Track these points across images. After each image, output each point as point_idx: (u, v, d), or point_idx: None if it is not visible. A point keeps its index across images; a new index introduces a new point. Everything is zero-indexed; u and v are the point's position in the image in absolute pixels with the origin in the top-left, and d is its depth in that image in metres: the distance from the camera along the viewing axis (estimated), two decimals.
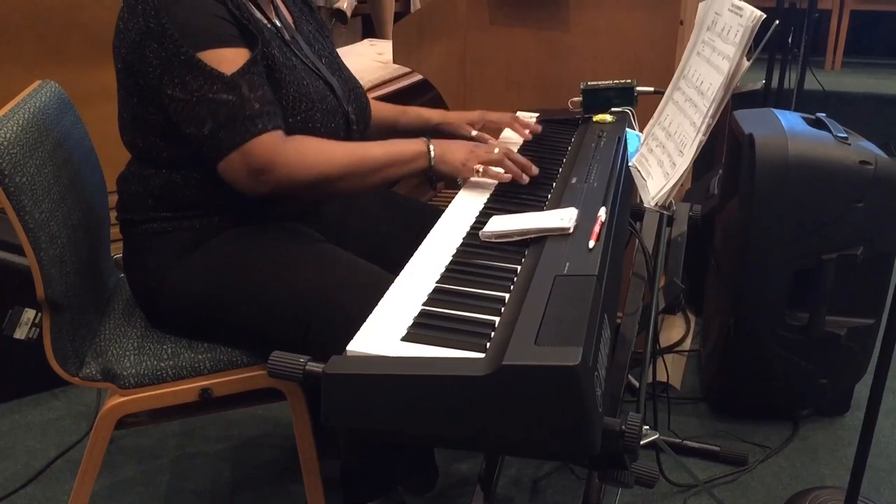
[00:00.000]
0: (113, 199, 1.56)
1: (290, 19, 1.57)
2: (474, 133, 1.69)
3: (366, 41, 3.49)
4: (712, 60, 1.23)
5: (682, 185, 1.63)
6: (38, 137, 1.39)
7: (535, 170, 1.40)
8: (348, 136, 1.52)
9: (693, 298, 2.58)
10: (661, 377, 2.15)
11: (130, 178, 1.47)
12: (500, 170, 1.40)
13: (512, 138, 1.71)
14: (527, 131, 1.69)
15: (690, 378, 2.32)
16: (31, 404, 2.19)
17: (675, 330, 2.52)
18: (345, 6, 4.08)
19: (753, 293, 1.97)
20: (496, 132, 1.75)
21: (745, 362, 2.05)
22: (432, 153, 1.40)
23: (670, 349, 2.41)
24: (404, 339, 0.97)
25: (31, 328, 2.09)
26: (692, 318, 2.57)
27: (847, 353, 2.00)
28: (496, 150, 1.42)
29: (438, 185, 2.54)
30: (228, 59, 1.30)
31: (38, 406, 2.18)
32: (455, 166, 1.41)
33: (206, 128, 1.30)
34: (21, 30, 2.46)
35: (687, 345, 2.46)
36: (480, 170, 1.40)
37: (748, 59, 1.12)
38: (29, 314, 2.08)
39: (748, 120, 2.03)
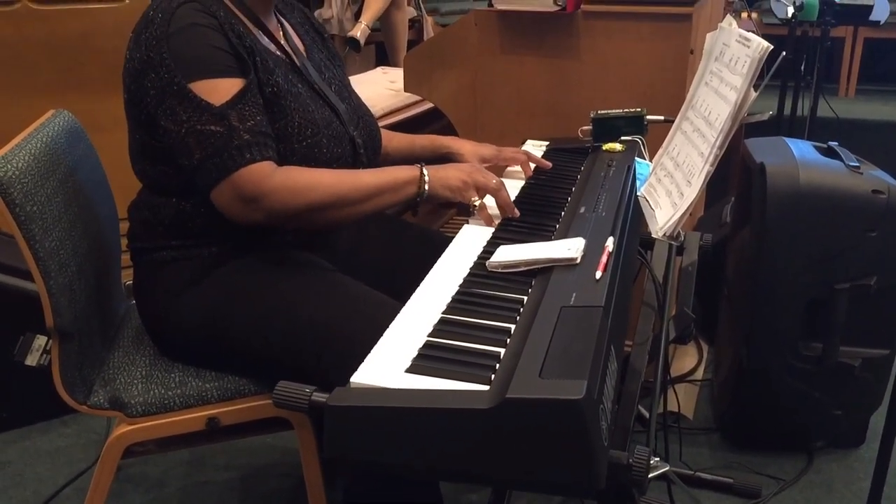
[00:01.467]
0: (124, 227, 1.57)
1: (301, 47, 1.58)
2: None
3: (378, 69, 3.51)
4: (720, 91, 1.23)
5: (693, 212, 1.61)
6: (50, 166, 1.41)
7: (516, 212, 1.42)
8: (355, 160, 1.53)
9: (706, 327, 2.56)
10: (673, 407, 2.12)
11: (141, 206, 1.48)
12: (494, 208, 1.42)
13: (518, 170, 1.71)
14: (532, 166, 1.68)
15: (703, 408, 2.29)
16: (41, 431, 2.19)
17: (687, 359, 2.49)
18: (358, 34, 4.11)
19: (765, 323, 1.95)
20: (504, 168, 1.74)
21: (758, 393, 2.03)
22: (426, 178, 1.40)
23: (682, 378, 2.39)
24: (408, 370, 0.96)
25: (42, 355, 2.09)
26: (705, 346, 2.55)
27: (862, 384, 1.98)
28: (494, 180, 1.42)
29: (447, 211, 2.51)
30: (220, 90, 1.31)
31: (48, 433, 2.18)
32: (454, 189, 1.41)
33: (196, 158, 1.31)
34: (39, 59, 2.50)
35: (699, 374, 2.44)
36: (477, 202, 1.40)
37: (756, 90, 1.12)
38: (40, 340, 2.09)
39: (759, 148, 2.02)
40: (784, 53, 1.16)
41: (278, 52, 1.48)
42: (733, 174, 2.91)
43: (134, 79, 1.37)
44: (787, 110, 3.33)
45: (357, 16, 4.22)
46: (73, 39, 2.52)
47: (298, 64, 1.50)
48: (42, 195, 1.34)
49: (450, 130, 2.34)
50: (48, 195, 1.36)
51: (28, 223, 1.30)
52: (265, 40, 1.47)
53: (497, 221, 1.40)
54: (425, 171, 1.40)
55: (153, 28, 1.33)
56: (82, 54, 2.52)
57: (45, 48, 2.50)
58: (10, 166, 1.29)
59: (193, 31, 1.32)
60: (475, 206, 1.40)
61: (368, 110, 1.65)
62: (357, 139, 1.53)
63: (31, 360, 2.10)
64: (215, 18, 1.35)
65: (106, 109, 2.30)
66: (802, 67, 3.25)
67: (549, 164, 1.68)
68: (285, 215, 1.34)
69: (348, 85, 1.65)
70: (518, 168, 1.69)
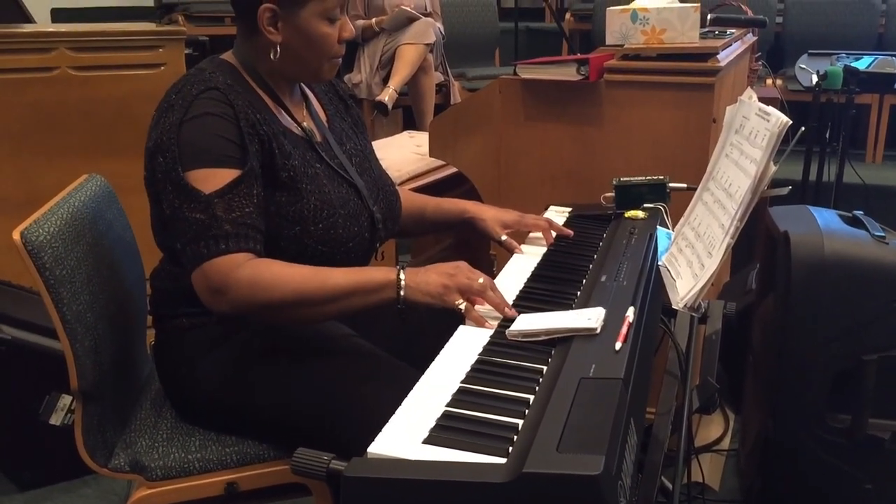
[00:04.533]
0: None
1: (324, 117, 1.61)
2: (503, 238, 1.67)
3: (405, 133, 3.57)
4: (740, 163, 1.24)
5: (718, 277, 1.60)
6: (81, 231, 1.44)
7: (511, 311, 1.28)
8: (373, 236, 1.54)
9: (732, 395, 2.52)
10: (698, 477, 2.08)
11: (162, 274, 1.51)
12: (484, 308, 1.30)
13: (540, 237, 1.71)
14: (553, 234, 1.68)
15: (730, 479, 2.25)
16: (62, 491, 2.19)
17: (713, 427, 2.45)
18: (386, 99, 4.19)
19: (792, 393, 1.92)
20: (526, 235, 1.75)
21: (785, 465, 1.98)
22: (402, 283, 1.31)
23: (708, 448, 2.34)
24: (426, 441, 0.96)
25: (66, 414, 2.11)
26: (731, 415, 2.51)
27: (892, 458, 1.93)
28: (480, 280, 1.31)
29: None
30: (214, 179, 1.33)
31: (69, 493, 2.18)
32: (432, 296, 1.30)
33: (179, 243, 1.34)
34: (75, 123, 2.59)
35: (726, 443, 2.39)
36: (462, 305, 1.29)
37: (775, 164, 1.13)
38: (65, 400, 2.12)
39: (783, 217, 2.01)
40: (803, 129, 1.17)
41: (297, 131, 1.50)
42: (758, 240, 2.90)
43: (149, 158, 1.41)
44: (813, 176, 3.32)
45: (385, 80, 4.31)
46: (108, 104, 2.60)
47: (319, 139, 1.53)
48: (72, 259, 1.37)
49: (474, 194, 2.36)
50: (78, 259, 1.39)
51: (57, 287, 1.32)
52: (286, 119, 1.49)
53: (492, 323, 1.27)
54: (402, 276, 1.32)
55: (172, 114, 1.37)
56: (117, 118, 2.60)
57: (81, 112, 2.58)
58: (42, 231, 1.33)
59: (204, 121, 1.35)
60: (460, 309, 1.29)
61: (389, 180, 1.67)
62: (376, 214, 1.54)
63: (56, 420, 2.12)
64: (232, 108, 1.37)
65: (138, 172, 2.34)
66: (828, 134, 3.26)
67: (570, 232, 1.68)
68: (247, 310, 1.31)
69: (370, 154, 1.67)
70: (540, 235, 1.70)
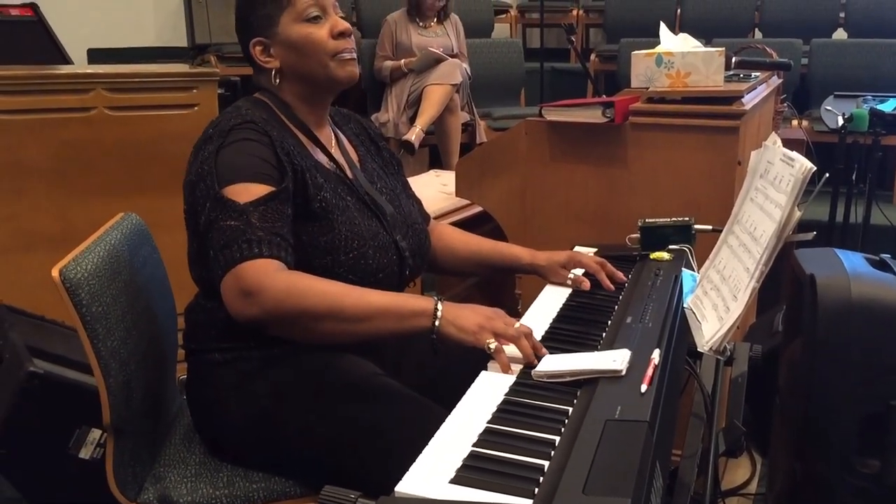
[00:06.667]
0: (182, 322, 1.62)
1: (355, 157, 1.65)
2: (572, 277, 1.63)
3: (431, 172, 3.61)
4: (765, 208, 1.25)
5: (745, 319, 1.60)
6: (117, 268, 1.47)
7: (536, 361, 1.26)
8: (402, 266, 1.56)
9: (759, 438, 2.49)
10: None
11: (196, 309, 1.54)
12: (513, 351, 1.28)
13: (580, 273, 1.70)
14: (583, 283, 1.64)
15: None
16: None
17: (740, 471, 2.43)
18: (413, 138, 4.25)
19: (819, 437, 1.90)
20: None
21: None
22: (439, 313, 1.31)
23: (734, 492, 2.32)
24: (452, 481, 0.97)
25: (95, 448, 2.13)
26: (758, 458, 2.48)
27: None
28: (516, 326, 1.30)
29: None
30: (250, 192, 1.37)
31: None
32: (465, 331, 1.30)
33: (212, 251, 1.35)
34: (111, 161, 2.64)
35: (753, 487, 2.37)
36: (493, 345, 1.28)
37: (799, 209, 1.14)
38: (95, 434, 2.13)
39: (809, 259, 2.01)
40: (827, 174, 1.19)
41: (329, 165, 1.55)
42: (784, 282, 2.88)
43: (190, 190, 1.45)
44: (840, 218, 3.30)
45: (412, 120, 4.37)
46: (143, 143, 2.66)
47: (350, 176, 1.57)
48: (108, 296, 1.41)
49: (498, 233, 2.38)
50: (113, 296, 1.43)
51: (93, 323, 1.35)
52: (318, 154, 1.54)
53: (516, 368, 1.26)
54: (440, 307, 1.32)
55: (210, 144, 1.42)
56: (151, 157, 2.66)
57: (117, 151, 2.64)
58: (79, 268, 1.36)
59: (242, 144, 1.41)
60: (490, 348, 1.28)
61: (419, 219, 1.69)
62: (401, 243, 1.56)
63: (85, 454, 2.14)
64: (268, 136, 1.43)
65: (170, 209, 2.39)
66: (854, 176, 3.25)
67: (622, 276, 1.64)
68: (279, 316, 1.31)
69: (401, 193, 1.69)
70: (571, 274, 1.68)
